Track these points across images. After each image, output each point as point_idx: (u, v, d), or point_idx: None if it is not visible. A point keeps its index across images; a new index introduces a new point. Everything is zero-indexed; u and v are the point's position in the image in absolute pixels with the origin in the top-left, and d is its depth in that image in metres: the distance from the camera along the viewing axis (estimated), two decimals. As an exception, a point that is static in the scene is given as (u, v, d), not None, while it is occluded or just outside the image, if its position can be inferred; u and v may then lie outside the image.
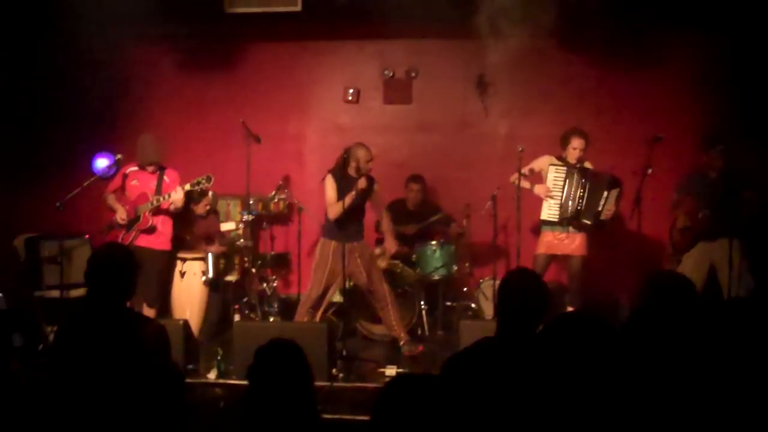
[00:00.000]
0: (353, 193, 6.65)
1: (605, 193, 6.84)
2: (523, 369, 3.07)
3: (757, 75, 7.71)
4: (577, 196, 6.94)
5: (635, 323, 3.02)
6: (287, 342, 3.12)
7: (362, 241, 7.04)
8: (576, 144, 6.96)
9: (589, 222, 6.94)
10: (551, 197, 7.02)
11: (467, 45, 8.49)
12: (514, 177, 7.07)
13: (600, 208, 6.86)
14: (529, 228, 7.27)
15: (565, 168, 7.01)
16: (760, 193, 6.85)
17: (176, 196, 6.90)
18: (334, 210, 6.73)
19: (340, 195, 6.71)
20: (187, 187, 6.99)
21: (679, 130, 7.84)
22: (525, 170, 7.13)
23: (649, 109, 8.24)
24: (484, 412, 3.02)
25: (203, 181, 6.99)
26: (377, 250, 7.10)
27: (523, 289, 3.30)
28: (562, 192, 7.00)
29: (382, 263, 7.00)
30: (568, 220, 6.98)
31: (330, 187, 6.76)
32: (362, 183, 6.64)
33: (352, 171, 6.75)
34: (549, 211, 7.04)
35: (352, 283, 7.13)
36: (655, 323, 3.04)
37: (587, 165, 7.06)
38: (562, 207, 6.99)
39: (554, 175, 7.06)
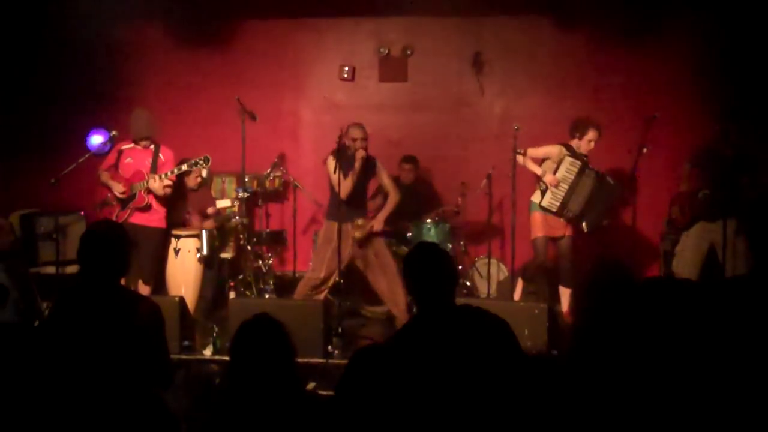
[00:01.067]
0: (356, 165, 6.64)
1: (611, 202, 6.88)
2: (456, 336, 3.19)
3: (755, 54, 7.67)
4: (586, 198, 6.93)
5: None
6: (267, 318, 3.13)
7: (367, 220, 7.04)
8: (592, 136, 6.92)
9: (587, 227, 6.98)
10: (558, 189, 7.00)
11: (463, 23, 8.48)
12: (520, 158, 7.03)
13: (603, 214, 6.90)
14: (525, 207, 7.26)
15: (579, 164, 6.96)
16: (759, 174, 6.80)
17: (153, 184, 6.87)
18: (345, 188, 6.67)
19: (343, 174, 6.69)
20: (184, 167, 6.98)
21: (676, 109, 7.84)
22: (535, 154, 7.08)
23: (645, 87, 8.22)
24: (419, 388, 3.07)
25: (201, 162, 6.98)
26: (359, 221, 7.00)
27: (433, 261, 3.37)
28: (572, 186, 6.95)
29: (358, 234, 6.91)
30: (567, 217, 6.97)
31: (332, 167, 6.72)
32: (360, 154, 6.62)
33: (350, 150, 6.75)
34: (550, 200, 6.99)
35: (356, 264, 7.09)
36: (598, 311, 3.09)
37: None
38: (566, 202, 6.95)
39: (567, 167, 6.97)
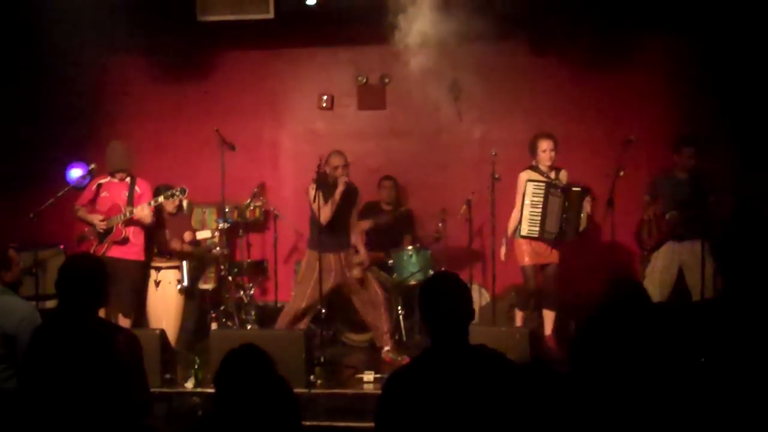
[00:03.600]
0: (339, 189, 6.70)
1: (583, 208, 6.89)
2: (467, 377, 3.07)
3: (727, 77, 7.77)
4: (560, 214, 6.92)
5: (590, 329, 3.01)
6: (252, 348, 3.13)
7: (350, 250, 7.06)
8: (545, 146, 6.96)
9: (571, 238, 6.99)
10: (531, 215, 6.97)
11: (440, 50, 8.53)
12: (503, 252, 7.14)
13: (581, 224, 6.92)
14: (505, 233, 7.29)
15: (544, 184, 6.96)
16: (730, 195, 6.90)
17: (141, 213, 6.89)
18: (324, 213, 6.71)
19: (324, 202, 6.73)
20: (160, 199, 7.00)
21: (651, 133, 7.90)
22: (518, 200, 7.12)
23: (620, 111, 8.30)
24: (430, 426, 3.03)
25: (177, 193, 6.99)
26: (356, 259, 7.09)
27: (451, 293, 3.24)
28: (543, 208, 6.93)
29: (357, 273, 7.00)
30: (551, 238, 6.99)
31: (311, 196, 6.78)
32: (342, 180, 6.68)
33: (330, 178, 6.78)
34: (528, 227, 6.95)
35: (332, 289, 7.10)
36: (610, 329, 3.04)
37: (562, 174, 7.06)
38: (544, 224, 6.93)
39: (533, 192, 6.94)
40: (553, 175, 7.02)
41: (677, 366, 2.86)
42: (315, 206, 6.70)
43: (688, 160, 7.01)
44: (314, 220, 6.85)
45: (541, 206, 6.93)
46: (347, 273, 6.97)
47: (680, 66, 8.03)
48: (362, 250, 7.12)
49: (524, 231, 6.98)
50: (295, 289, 7.08)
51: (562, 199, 6.91)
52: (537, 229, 6.95)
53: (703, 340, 3.13)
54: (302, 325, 6.93)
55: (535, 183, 6.96)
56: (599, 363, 2.75)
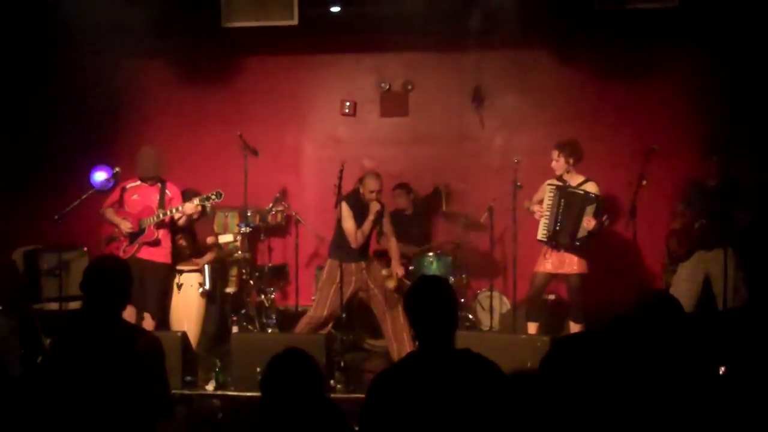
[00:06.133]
0: (370, 218, 6.80)
1: (580, 211, 6.83)
2: (451, 381, 3.09)
3: (750, 86, 7.75)
4: (557, 216, 6.92)
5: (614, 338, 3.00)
6: (301, 351, 3.19)
7: (369, 258, 7.10)
8: (553, 156, 6.95)
9: (564, 242, 6.92)
10: (543, 217, 7.00)
11: (463, 58, 8.56)
12: (528, 203, 7.10)
13: (575, 227, 6.84)
14: (526, 240, 7.27)
15: (554, 188, 6.97)
16: (756, 203, 6.84)
17: (189, 208, 6.95)
18: (357, 239, 6.83)
19: (356, 220, 6.82)
20: (196, 201, 7.04)
21: (674, 141, 7.88)
22: (534, 199, 7.14)
23: (643, 120, 8.28)
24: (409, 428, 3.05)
25: (213, 197, 7.03)
26: (384, 272, 7.11)
27: (436, 297, 3.26)
28: (550, 212, 6.96)
29: (391, 284, 7.02)
30: (550, 241, 6.98)
31: (347, 215, 6.84)
32: (375, 206, 6.77)
33: (363, 198, 6.85)
34: (541, 231, 7.00)
35: (352, 296, 7.13)
36: (640, 340, 3.02)
37: (589, 185, 6.98)
38: (548, 227, 6.96)
39: (547, 195, 7.00)
40: (575, 182, 6.98)
41: (704, 374, 2.85)
42: (347, 225, 6.80)
43: (719, 168, 6.90)
44: (339, 232, 6.91)
45: (552, 210, 6.94)
46: (370, 283, 6.98)
47: (704, 75, 7.99)
48: (396, 263, 7.15)
49: (539, 235, 6.99)
50: (317, 297, 7.11)
51: (558, 198, 6.90)
52: (546, 232, 6.95)
53: (727, 348, 3.13)
54: (323, 332, 6.95)
55: (550, 186, 6.98)
56: (621, 372, 2.76)
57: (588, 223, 6.77)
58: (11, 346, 6.20)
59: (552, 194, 6.96)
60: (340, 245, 6.92)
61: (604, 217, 6.84)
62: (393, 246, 7.20)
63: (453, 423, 3.02)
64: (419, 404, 3.05)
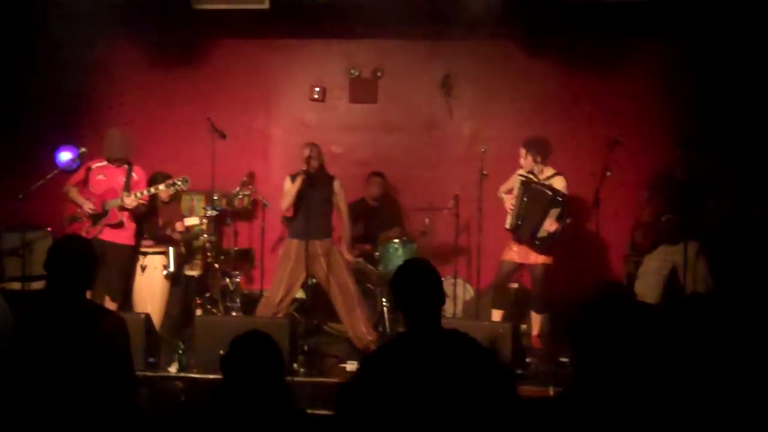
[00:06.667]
0: (296, 182, 6.90)
1: (543, 212, 6.92)
2: (442, 361, 3.14)
3: (719, 81, 7.85)
4: (520, 210, 7.01)
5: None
6: (263, 334, 3.19)
7: (328, 240, 7.12)
8: (521, 153, 7.11)
9: (524, 237, 7.02)
10: (512, 205, 7.10)
11: (433, 46, 8.60)
12: (501, 190, 7.18)
13: (536, 226, 6.93)
14: (491, 229, 7.35)
15: (521, 180, 7.08)
16: (723, 198, 6.93)
17: (130, 202, 6.92)
18: (282, 201, 7.08)
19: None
20: (162, 187, 7.01)
21: (639, 133, 7.98)
22: (503, 189, 7.21)
23: (611, 112, 8.37)
24: (400, 409, 3.08)
25: (179, 183, 7.01)
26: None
27: (423, 278, 3.32)
28: (515, 205, 7.08)
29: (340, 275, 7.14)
30: (513, 233, 7.05)
31: (286, 186, 7.05)
32: (301, 172, 6.89)
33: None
34: (509, 220, 7.13)
35: (314, 281, 7.20)
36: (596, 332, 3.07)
37: (556, 179, 7.07)
38: (512, 219, 7.07)
39: (516, 186, 7.14)
40: (543, 176, 7.07)
41: (667, 365, 2.91)
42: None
43: (685, 161, 6.98)
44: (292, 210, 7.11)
45: (516, 203, 7.04)
46: (318, 263, 7.04)
47: (671, 69, 8.10)
48: (345, 247, 7.26)
49: (507, 224, 7.10)
50: (273, 277, 7.17)
51: (523, 192, 7.01)
52: (512, 222, 7.06)
53: (691, 336, 3.19)
54: (280, 312, 7.01)
55: (520, 178, 7.07)
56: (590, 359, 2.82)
57: (550, 225, 6.87)
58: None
59: (519, 188, 7.04)
60: (292, 223, 7.13)
61: (568, 221, 6.95)
62: (344, 227, 7.31)
63: (444, 403, 3.06)
64: (411, 385, 3.09)
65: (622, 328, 2.81)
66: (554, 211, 6.89)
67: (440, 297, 3.32)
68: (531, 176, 7.08)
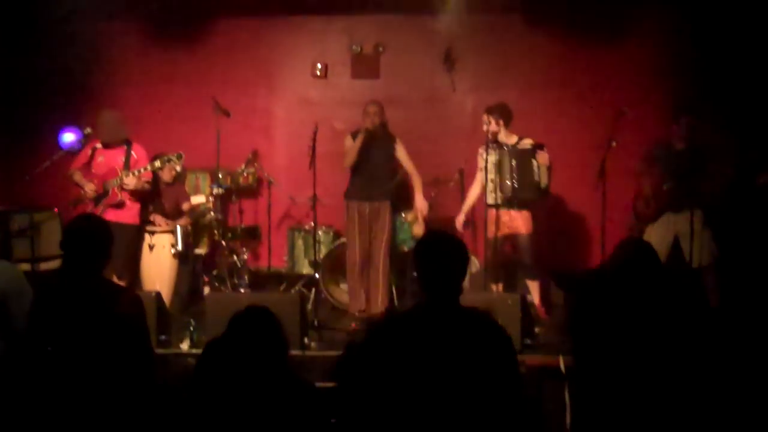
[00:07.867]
0: (357, 139, 7.02)
1: (534, 162, 6.91)
2: (455, 335, 3.10)
3: (721, 49, 7.84)
4: (512, 174, 6.95)
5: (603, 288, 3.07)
6: (262, 309, 3.21)
7: (387, 202, 7.28)
8: (484, 120, 7.05)
9: (534, 197, 7.03)
10: (490, 181, 7.03)
11: (434, 20, 8.56)
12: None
13: (540, 180, 6.94)
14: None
15: (487, 149, 6.99)
16: (724, 163, 6.97)
17: (130, 182, 6.95)
18: (346, 159, 7.16)
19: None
20: (157, 164, 7.03)
21: (644, 104, 7.96)
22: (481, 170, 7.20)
23: (613, 82, 8.35)
24: (404, 380, 3.05)
25: (174, 159, 7.02)
26: (409, 216, 7.23)
27: (447, 251, 3.22)
28: (496, 173, 6.98)
29: (419, 229, 7.14)
30: (510, 200, 7.05)
31: (347, 144, 7.21)
32: (365, 125, 7.02)
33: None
34: (491, 195, 7.07)
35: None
36: (622, 290, 3.07)
37: (525, 141, 7.11)
38: (501, 188, 7.00)
39: (481, 160, 7.09)
40: (511, 142, 7.07)
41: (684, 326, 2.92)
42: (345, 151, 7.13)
43: (687, 130, 7.01)
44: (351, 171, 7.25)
45: (493, 172, 6.99)
46: (374, 226, 7.15)
47: (674, 37, 8.08)
48: (418, 195, 7.37)
49: (488, 199, 7.09)
50: (347, 245, 7.36)
51: (508, 159, 6.97)
52: (494, 195, 7.04)
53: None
54: (364, 276, 7.23)
55: (485, 150, 7.01)
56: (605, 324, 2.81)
57: (545, 170, 6.89)
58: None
59: (501, 156, 6.99)
60: (350, 183, 7.27)
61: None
62: (414, 180, 7.40)
63: (453, 378, 3.02)
64: (422, 358, 3.04)
65: (654, 285, 2.80)
66: (542, 156, 6.92)
67: (463, 272, 3.25)
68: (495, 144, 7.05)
